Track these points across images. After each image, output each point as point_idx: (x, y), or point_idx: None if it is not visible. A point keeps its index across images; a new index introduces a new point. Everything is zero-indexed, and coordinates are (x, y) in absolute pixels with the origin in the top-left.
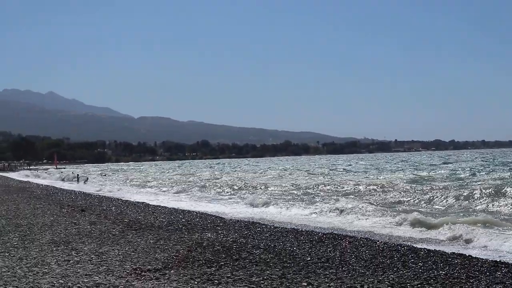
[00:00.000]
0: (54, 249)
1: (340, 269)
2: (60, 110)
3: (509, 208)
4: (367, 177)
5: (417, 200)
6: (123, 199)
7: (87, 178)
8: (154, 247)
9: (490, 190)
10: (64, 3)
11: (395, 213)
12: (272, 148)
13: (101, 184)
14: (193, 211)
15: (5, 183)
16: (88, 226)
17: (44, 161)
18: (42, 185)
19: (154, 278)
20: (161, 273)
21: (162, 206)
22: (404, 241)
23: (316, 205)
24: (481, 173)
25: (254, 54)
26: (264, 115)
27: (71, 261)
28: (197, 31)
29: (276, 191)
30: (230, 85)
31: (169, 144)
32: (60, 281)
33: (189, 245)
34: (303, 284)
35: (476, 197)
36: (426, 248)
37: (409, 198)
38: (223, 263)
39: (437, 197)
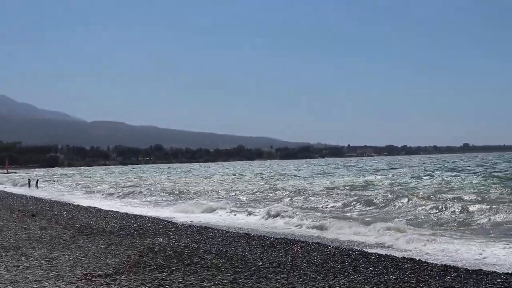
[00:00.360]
0: (4, 254)
1: (292, 274)
2: (12, 114)
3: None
4: (310, 183)
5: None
6: (75, 203)
7: (38, 180)
8: (105, 252)
9: (412, 197)
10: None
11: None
12: (225, 152)
13: (53, 189)
14: (145, 216)
15: None
16: (39, 231)
17: None
18: None
19: (105, 283)
20: (111, 278)
21: (114, 211)
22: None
23: (249, 210)
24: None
25: (207, 60)
26: (219, 121)
27: (21, 266)
28: (146, 36)
29: (221, 196)
30: (185, 91)
31: (122, 148)
32: (9, 287)
33: (140, 250)
34: None
35: (398, 204)
36: (377, 253)
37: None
38: (174, 268)
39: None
